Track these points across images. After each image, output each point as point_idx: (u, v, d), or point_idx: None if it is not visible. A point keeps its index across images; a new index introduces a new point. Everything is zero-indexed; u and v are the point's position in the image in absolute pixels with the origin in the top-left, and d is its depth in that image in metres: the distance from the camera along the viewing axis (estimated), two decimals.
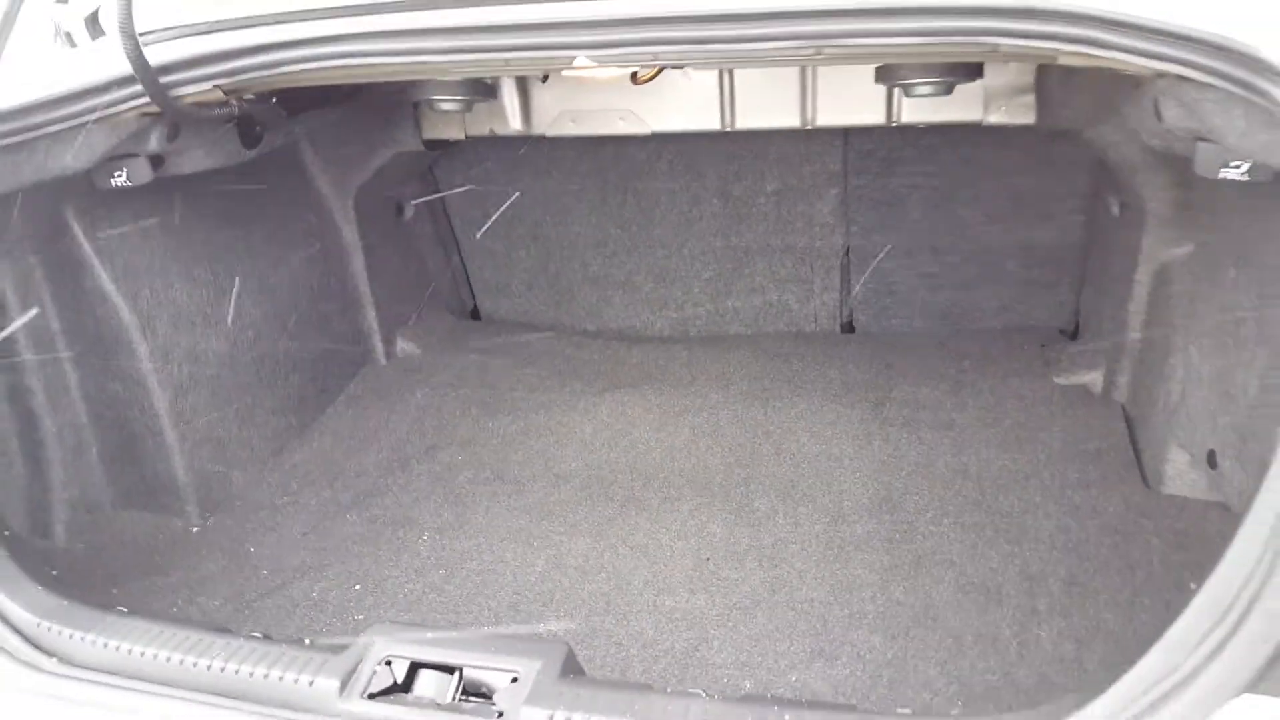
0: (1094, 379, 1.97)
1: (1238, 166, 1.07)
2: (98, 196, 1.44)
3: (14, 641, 1.00)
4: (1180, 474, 1.61)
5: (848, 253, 2.08)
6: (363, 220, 1.90)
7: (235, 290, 1.64)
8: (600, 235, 2.05)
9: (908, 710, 1.24)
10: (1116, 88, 1.35)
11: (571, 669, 0.95)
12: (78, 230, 1.45)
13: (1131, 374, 1.88)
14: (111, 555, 1.48)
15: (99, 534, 1.51)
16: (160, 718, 0.96)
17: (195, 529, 1.64)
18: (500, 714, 0.85)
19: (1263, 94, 0.90)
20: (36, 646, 0.99)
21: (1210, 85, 0.95)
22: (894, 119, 1.84)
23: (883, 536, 1.63)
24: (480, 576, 1.55)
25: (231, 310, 1.63)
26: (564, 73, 1.70)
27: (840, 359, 2.07)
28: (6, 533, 1.16)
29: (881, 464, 1.78)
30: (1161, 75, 1.03)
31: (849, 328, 2.23)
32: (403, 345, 2.03)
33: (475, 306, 2.26)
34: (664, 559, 1.59)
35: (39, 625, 1.00)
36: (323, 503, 1.76)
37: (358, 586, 1.52)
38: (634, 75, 1.83)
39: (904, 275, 2.13)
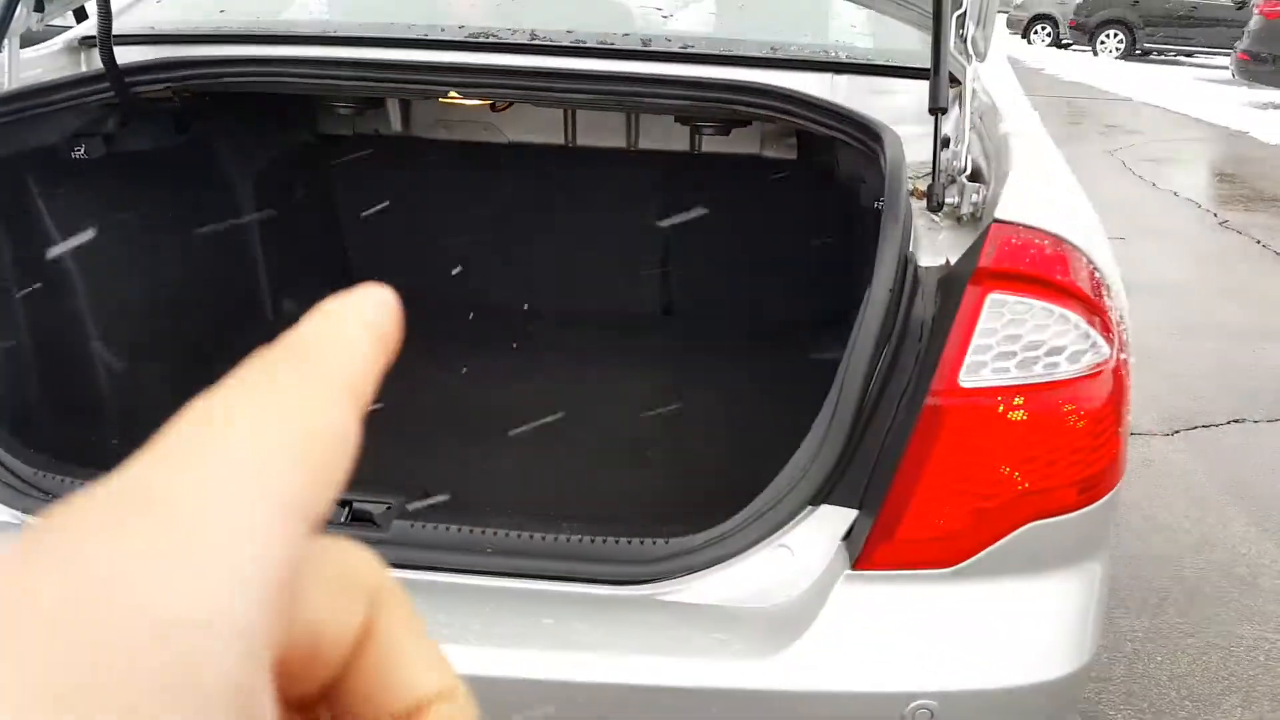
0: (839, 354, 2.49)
1: (880, 201, 1.60)
2: (58, 166, 1.80)
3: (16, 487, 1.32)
4: None
5: (666, 250, 2.57)
6: (261, 200, 2.29)
7: (157, 249, 2.01)
8: (464, 222, 2.49)
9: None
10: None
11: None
12: (35, 192, 1.81)
13: None
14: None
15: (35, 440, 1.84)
16: None
17: (113, 441, 1.98)
18: (377, 525, 1.25)
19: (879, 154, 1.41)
20: (38, 489, 1.33)
21: (856, 147, 1.46)
22: (696, 149, 2.36)
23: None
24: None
25: (151, 265, 2.00)
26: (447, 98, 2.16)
27: (658, 332, 2.54)
28: None
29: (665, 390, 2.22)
30: (833, 137, 1.54)
31: (668, 310, 2.70)
32: (287, 305, 2.43)
33: (353, 279, 2.65)
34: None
35: (35, 474, 1.34)
36: None
37: None
38: (493, 105, 2.30)
39: (710, 271, 2.63)
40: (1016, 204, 1.03)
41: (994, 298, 1.00)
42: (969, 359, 1.00)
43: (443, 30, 1.71)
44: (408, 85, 1.69)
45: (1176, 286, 4.77)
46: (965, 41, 1.29)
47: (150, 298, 1.95)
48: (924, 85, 1.24)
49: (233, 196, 2.24)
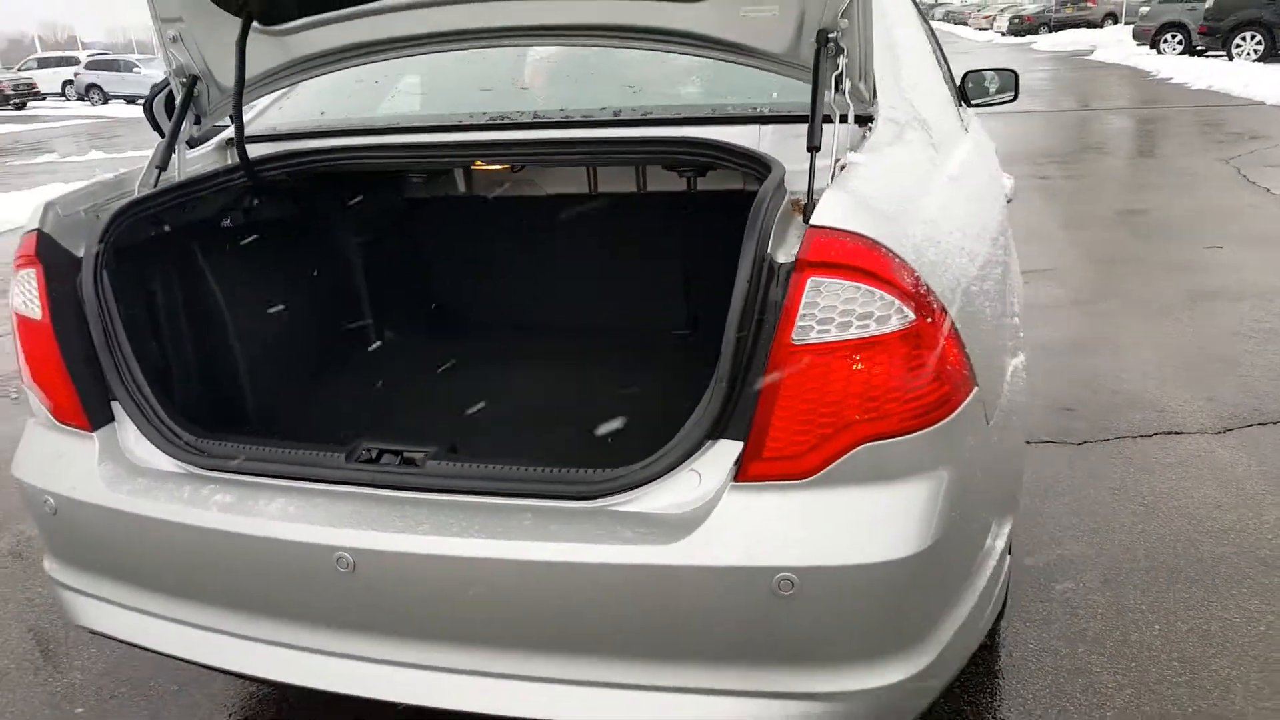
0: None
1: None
2: (213, 232, 2.36)
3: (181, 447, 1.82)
4: None
5: (683, 271, 2.83)
6: (363, 251, 2.84)
7: (285, 290, 2.57)
8: (517, 257, 2.88)
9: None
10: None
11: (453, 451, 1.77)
12: (198, 250, 2.37)
13: None
14: None
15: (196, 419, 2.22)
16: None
17: (248, 426, 2.33)
18: (416, 465, 1.69)
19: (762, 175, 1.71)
20: (194, 449, 1.81)
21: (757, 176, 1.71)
22: (692, 188, 2.63)
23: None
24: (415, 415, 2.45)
25: (280, 307, 2.56)
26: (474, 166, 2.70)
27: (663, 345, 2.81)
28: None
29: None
30: (744, 171, 1.88)
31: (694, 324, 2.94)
32: (387, 333, 2.96)
33: (437, 309, 3.19)
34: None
35: (194, 439, 1.84)
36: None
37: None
38: (512, 168, 2.72)
39: (684, 286, 2.86)
40: (832, 212, 1.42)
41: (813, 280, 1.40)
42: (797, 324, 1.37)
43: (471, 116, 2.23)
44: (448, 159, 2.21)
45: (1268, 292, 4.86)
46: (845, 94, 1.69)
47: (280, 325, 2.50)
48: (835, 127, 1.66)
49: (342, 249, 2.80)
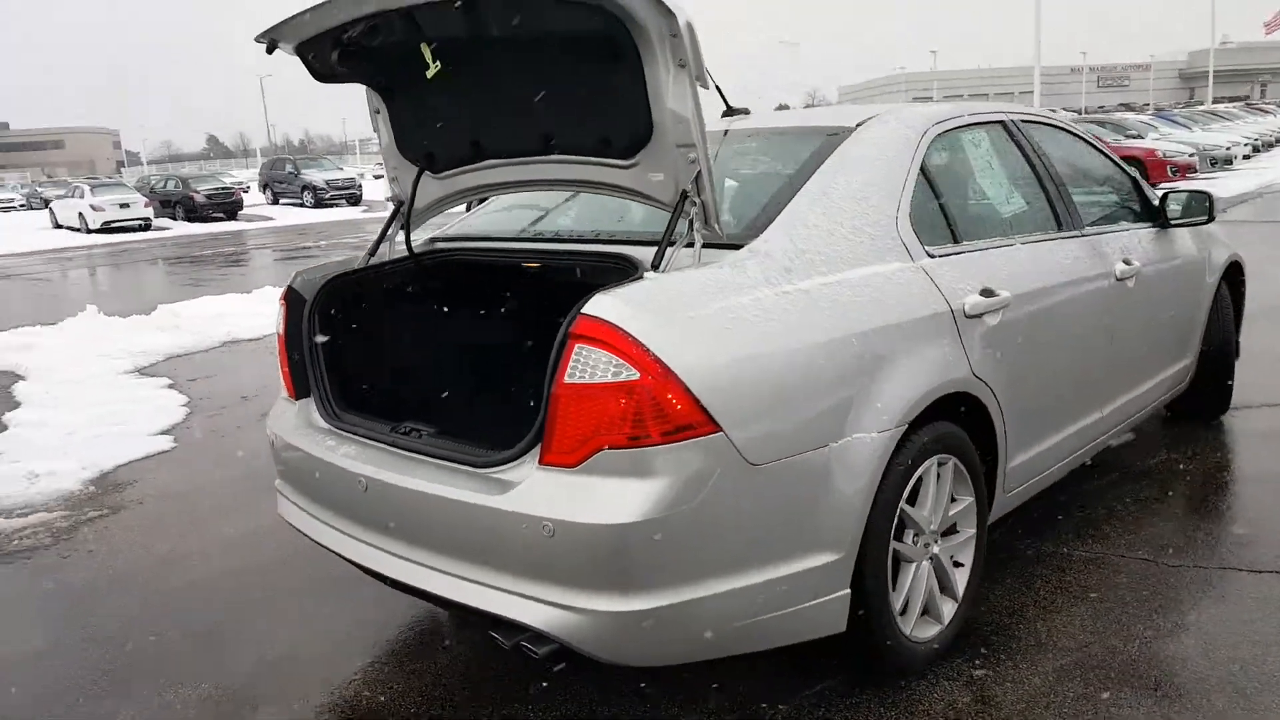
0: None
1: None
2: (384, 294, 3.51)
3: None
4: None
5: None
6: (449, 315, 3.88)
7: (414, 335, 3.82)
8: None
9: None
10: None
11: None
12: (371, 305, 3.50)
13: None
14: None
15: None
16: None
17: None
18: (415, 436, 2.83)
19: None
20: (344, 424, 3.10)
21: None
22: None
23: None
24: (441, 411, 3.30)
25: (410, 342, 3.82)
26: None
27: None
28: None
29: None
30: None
31: None
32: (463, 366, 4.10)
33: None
34: None
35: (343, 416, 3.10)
36: None
37: None
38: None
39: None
40: (596, 304, 2.26)
41: (577, 346, 2.27)
42: (568, 370, 2.27)
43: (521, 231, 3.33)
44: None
45: None
46: (694, 230, 2.51)
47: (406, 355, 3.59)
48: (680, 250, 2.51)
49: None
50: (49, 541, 4.27)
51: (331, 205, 34.03)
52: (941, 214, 3.15)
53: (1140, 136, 22.96)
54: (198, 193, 31.47)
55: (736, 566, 2.38)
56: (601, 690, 2.86)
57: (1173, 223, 4.30)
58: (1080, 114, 38.93)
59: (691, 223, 2.52)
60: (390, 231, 3.37)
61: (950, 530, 2.99)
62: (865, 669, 2.84)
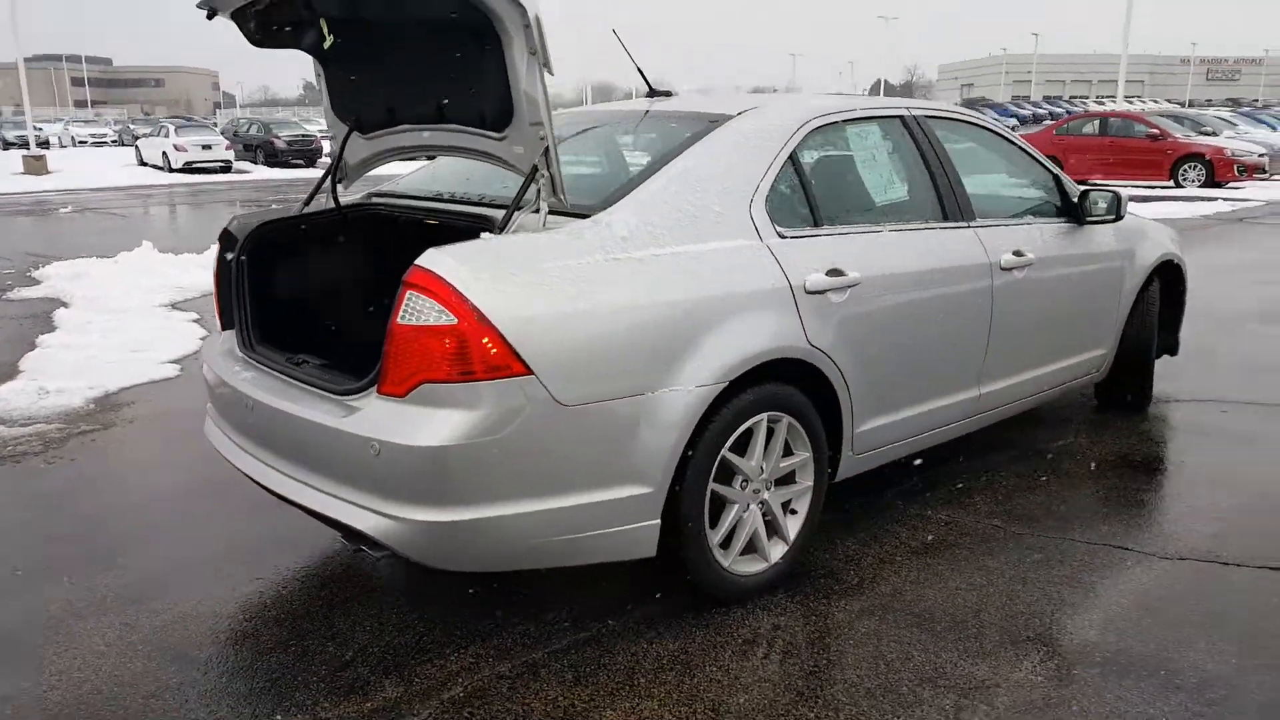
0: None
1: None
2: (303, 241, 4.08)
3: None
4: None
5: None
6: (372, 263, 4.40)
7: (328, 278, 4.23)
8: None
9: None
10: None
11: None
12: (296, 252, 4.13)
13: None
14: None
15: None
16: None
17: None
18: (302, 364, 3.26)
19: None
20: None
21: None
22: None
23: None
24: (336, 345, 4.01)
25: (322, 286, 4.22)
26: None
27: None
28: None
29: None
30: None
31: None
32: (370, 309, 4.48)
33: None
34: None
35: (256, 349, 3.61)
36: None
37: None
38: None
39: None
40: (427, 257, 2.64)
41: (409, 292, 2.63)
42: (400, 312, 2.66)
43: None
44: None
45: None
46: (541, 198, 2.86)
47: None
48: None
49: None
50: (39, 449, 4.80)
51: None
52: (805, 200, 3.43)
53: (1214, 133, 22.35)
54: (279, 138, 32.42)
55: (549, 490, 2.75)
56: (460, 598, 3.26)
57: (1086, 220, 4.50)
58: (1185, 104, 37.49)
59: (539, 191, 2.87)
60: (325, 185, 3.78)
61: (788, 480, 3.30)
62: (689, 593, 3.18)
